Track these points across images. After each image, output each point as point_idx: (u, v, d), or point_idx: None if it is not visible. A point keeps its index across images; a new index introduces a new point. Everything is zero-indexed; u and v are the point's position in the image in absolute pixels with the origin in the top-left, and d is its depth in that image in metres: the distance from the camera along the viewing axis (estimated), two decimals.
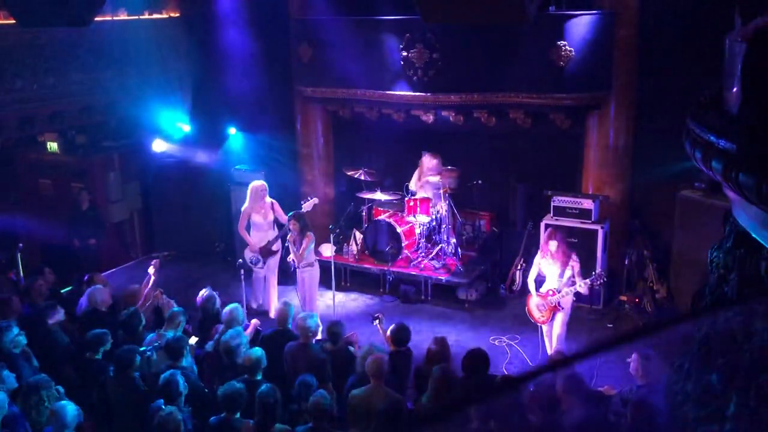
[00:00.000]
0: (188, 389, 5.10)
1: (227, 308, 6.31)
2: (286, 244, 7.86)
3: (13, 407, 4.83)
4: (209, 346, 6.18)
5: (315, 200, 8.28)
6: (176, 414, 4.62)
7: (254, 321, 6.71)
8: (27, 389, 5.00)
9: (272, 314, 7.78)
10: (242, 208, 8.32)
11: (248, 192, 8.26)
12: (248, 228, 8.31)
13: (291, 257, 7.93)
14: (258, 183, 8.30)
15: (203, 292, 6.77)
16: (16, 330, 5.65)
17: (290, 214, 7.85)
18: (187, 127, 10.27)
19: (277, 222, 8.30)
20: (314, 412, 4.80)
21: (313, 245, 7.95)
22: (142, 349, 5.63)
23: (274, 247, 8.32)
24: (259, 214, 8.20)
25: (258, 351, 5.48)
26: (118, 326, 6.18)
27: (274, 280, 8.50)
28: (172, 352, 5.52)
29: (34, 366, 5.71)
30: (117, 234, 10.70)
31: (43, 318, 6.15)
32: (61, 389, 5.19)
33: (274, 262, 8.42)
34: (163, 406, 4.84)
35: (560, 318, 6.84)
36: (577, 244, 8.02)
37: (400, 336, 5.87)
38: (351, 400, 5.17)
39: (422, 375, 5.47)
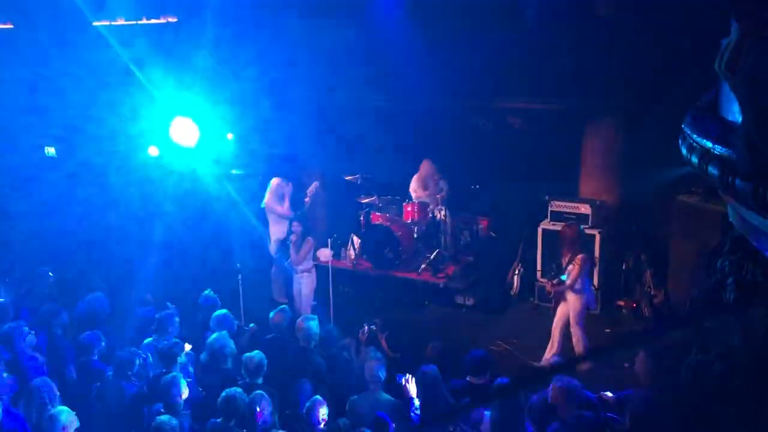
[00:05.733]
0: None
1: (215, 314, 6.29)
2: (288, 243, 7.89)
3: (14, 409, 4.82)
4: (203, 356, 6.16)
5: (315, 183, 8.63)
6: (171, 421, 4.60)
7: (252, 326, 6.70)
8: (29, 392, 4.99)
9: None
10: (263, 204, 8.81)
11: (269, 188, 8.89)
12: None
13: (289, 260, 7.95)
14: (277, 179, 8.88)
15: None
16: (27, 330, 5.66)
17: (293, 215, 7.90)
18: (185, 132, 10.25)
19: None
20: (309, 417, 4.80)
21: (312, 250, 8.00)
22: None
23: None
24: (280, 207, 8.72)
25: (259, 354, 5.48)
26: (115, 331, 6.18)
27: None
28: (165, 359, 5.50)
29: (41, 364, 5.70)
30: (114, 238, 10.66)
31: (47, 320, 6.15)
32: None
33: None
34: (162, 409, 4.84)
35: (560, 311, 7.09)
36: None
37: (397, 342, 5.88)
38: (351, 406, 5.17)
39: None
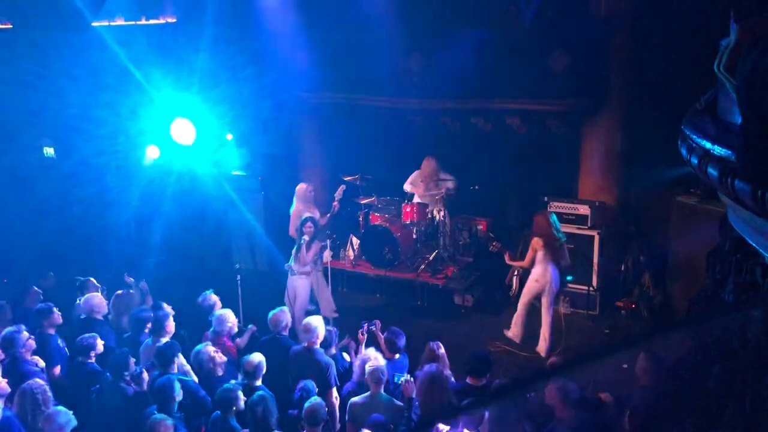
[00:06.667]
0: (183, 395, 5.08)
1: (215, 314, 6.28)
2: (302, 242, 7.87)
3: (7, 411, 4.81)
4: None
5: (342, 187, 8.40)
6: (166, 421, 4.61)
7: (251, 327, 6.69)
8: (22, 393, 4.98)
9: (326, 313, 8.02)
10: (291, 212, 8.45)
11: (296, 194, 8.53)
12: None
13: (291, 262, 7.94)
14: (303, 185, 8.55)
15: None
16: (27, 335, 5.65)
17: (305, 217, 7.90)
18: (183, 132, 10.26)
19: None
20: (308, 418, 4.80)
21: (319, 252, 8.02)
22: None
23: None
24: (315, 211, 8.42)
25: (258, 356, 5.47)
26: (113, 333, 6.17)
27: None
28: (162, 359, 5.49)
29: (40, 369, 5.69)
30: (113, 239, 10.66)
31: (39, 322, 6.13)
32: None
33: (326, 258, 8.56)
34: (156, 413, 4.83)
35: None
36: (574, 250, 8.06)
37: (396, 343, 5.87)
38: (351, 408, 5.17)
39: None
